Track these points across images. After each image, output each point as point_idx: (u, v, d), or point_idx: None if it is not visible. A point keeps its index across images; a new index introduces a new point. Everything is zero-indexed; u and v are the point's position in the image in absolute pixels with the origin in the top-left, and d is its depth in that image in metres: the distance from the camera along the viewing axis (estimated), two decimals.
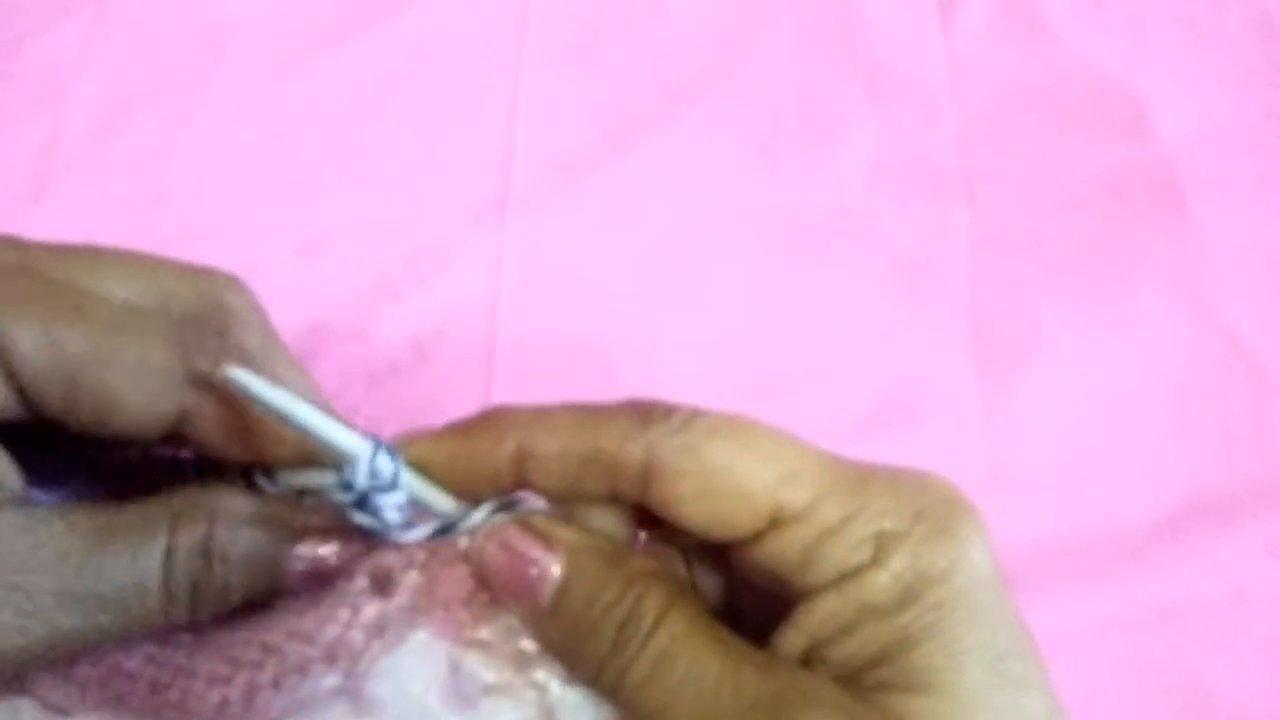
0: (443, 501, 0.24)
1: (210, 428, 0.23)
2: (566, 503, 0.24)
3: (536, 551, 0.23)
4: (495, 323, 0.43)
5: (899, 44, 0.49)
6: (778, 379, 0.42)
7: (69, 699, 0.23)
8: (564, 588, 0.22)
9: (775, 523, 0.22)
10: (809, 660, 0.22)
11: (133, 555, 0.21)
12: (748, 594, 0.25)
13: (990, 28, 0.49)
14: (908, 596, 0.21)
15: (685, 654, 0.21)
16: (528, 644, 0.23)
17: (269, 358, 0.24)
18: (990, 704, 0.20)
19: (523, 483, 0.24)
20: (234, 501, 0.23)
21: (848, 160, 0.46)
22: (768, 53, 0.49)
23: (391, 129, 0.47)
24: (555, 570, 0.22)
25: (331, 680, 0.23)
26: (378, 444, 0.23)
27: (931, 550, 0.21)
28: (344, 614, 0.23)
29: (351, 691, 0.22)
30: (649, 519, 0.24)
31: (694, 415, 0.23)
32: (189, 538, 0.22)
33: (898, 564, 0.21)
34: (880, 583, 0.21)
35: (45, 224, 0.45)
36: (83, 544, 0.21)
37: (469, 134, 0.47)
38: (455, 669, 0.23)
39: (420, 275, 0.44)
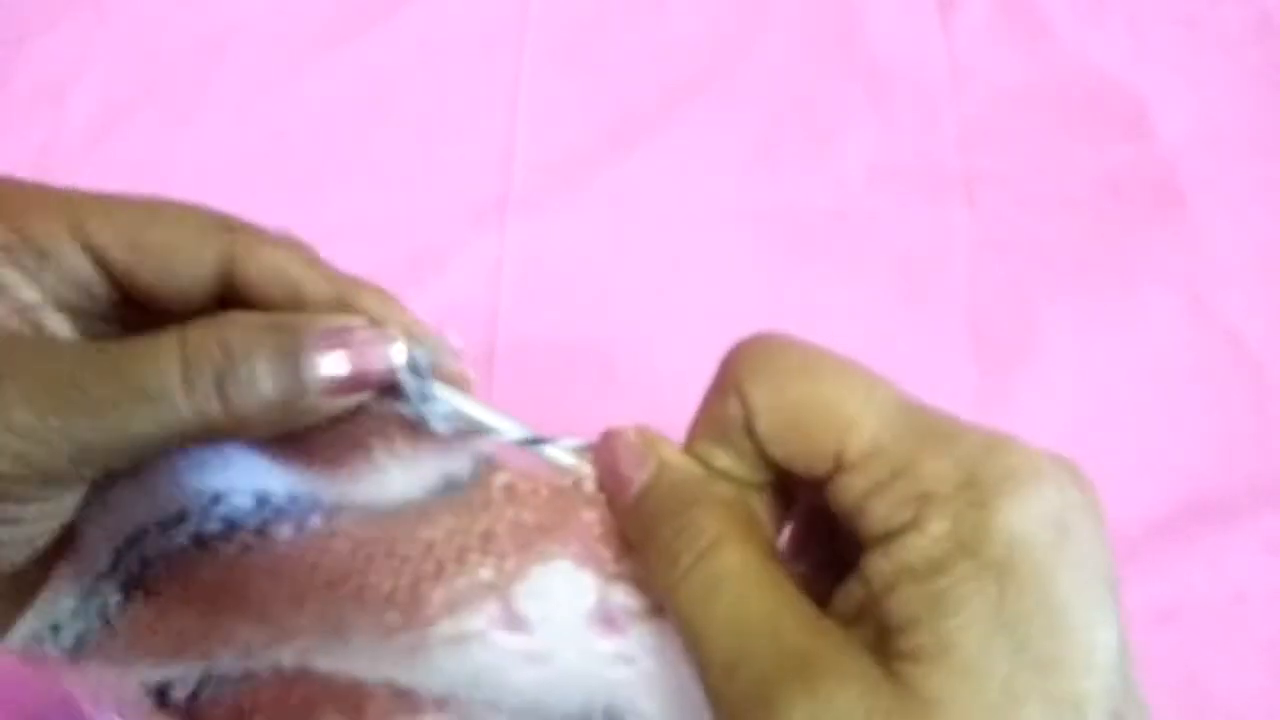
0: (499, 420, 0.25)
1: (257, 273, 0.25)
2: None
3: (634, 455, 0.24)
4: (495, 323, 0.43)
5: (899, 44, 0.49)
6: None
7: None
8: (645, 491, 0.24)
9: (839, 467, 0.22)
10: (860, 614, 0.22)
11: (149, 349, 0.23)
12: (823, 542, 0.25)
13: (990, 28, 0.49)
14: (942, 563, 0.21)
15: (732, 589, 0.22)
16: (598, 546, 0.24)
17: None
18: (1011, 686, 0.20)
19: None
20: (246, 314, 0.24)
21: (848, 160, 0.46)
22: (768, 53, 0.49)
23: (391, 129, 0.47)
24: (643, 475, 0.24)
25: (486, 573, 0.24)
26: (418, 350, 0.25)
27: (971, 517, 0.21)
28: (486, 517, 0.24)
29: (503, 595, 0.23)
30: None
31: (779, 349, 0.25)
32: (201, 334, 0.23)
33: (936, 528, 0.21)
34: (918, 545, 0.21)
35: None
36: (104, 350, 0.23)
37: (469, 134, 0.47)
38: (604, 597, 0.24)
39: (420, 275, 0.44)
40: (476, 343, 0.42)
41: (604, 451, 0.25)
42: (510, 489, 0.25)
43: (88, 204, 0.24)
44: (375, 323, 0.25)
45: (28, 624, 0.25)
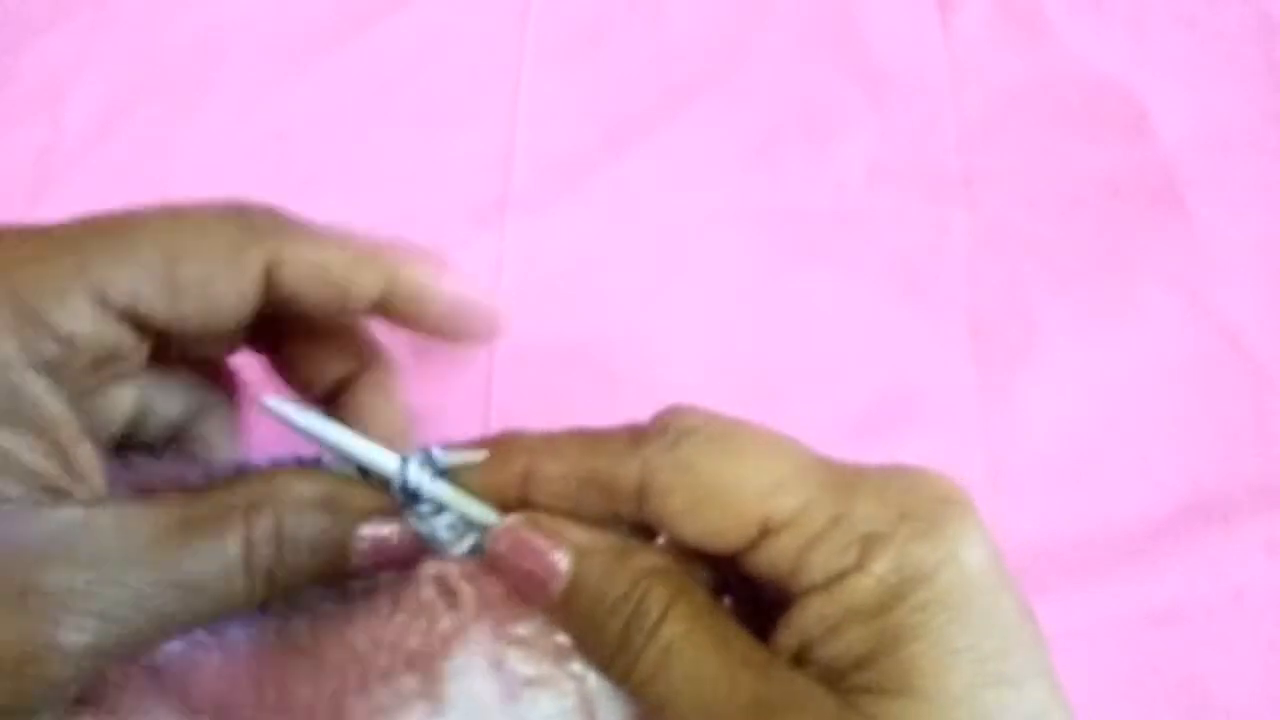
0: (479, 510, 0.25)
1: (301, 274, 0.25)
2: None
3: (545, 549, 0.23)
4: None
5: (899, 44, 0.49)
6: (777, 379, 0.42)
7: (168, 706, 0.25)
8: (573, 585, 0.23)
9: (766, 531, 0.22)
10: (800, 659, 0.22)
11: (217, 543, 0.22)
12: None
13: (990, 28, 0.49)
14: (892, 598, 0.21)
15: (687, 651, 0.22)
16: (563, 637, 0.24)
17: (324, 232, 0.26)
18: (974, 706, 0.20)
19: (526, 503, 0.24)
20: (300, 485, 0.24)
21: (848, 161, 0.46)
22: (768, 53, 0.49)
23: (391, 129, 0.47)
24: (563, 567, 0.23)
25: (411, 683, 0.23)
26: (406, 459, 0.25)
27: (917, 551, 0.21)
28: (421, 624, 0.24)
29: (428, 694, 0.23)
30: None
31: (688, 430, 0.23)
32: (263, 524, 0.23)
33: (880, 566, 0.21)
34: (864, 585, 0.21)
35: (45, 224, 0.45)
36: (169, 535, 0.22)
37: (469, 134, 0.47)
38: (499, 665, 0.23)
39: None
40: None
41: (508, 553, 0.24)
42: (441, 582, 0.25)
43: (104, 250, 0.23)
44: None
45: None
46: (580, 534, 0.24)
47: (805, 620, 0.22)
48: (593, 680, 0.23)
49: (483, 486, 0.25)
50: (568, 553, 0.23)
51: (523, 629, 0.24)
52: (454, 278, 0.27)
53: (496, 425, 0.42)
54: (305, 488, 0.24)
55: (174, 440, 0.28)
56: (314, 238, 0.25)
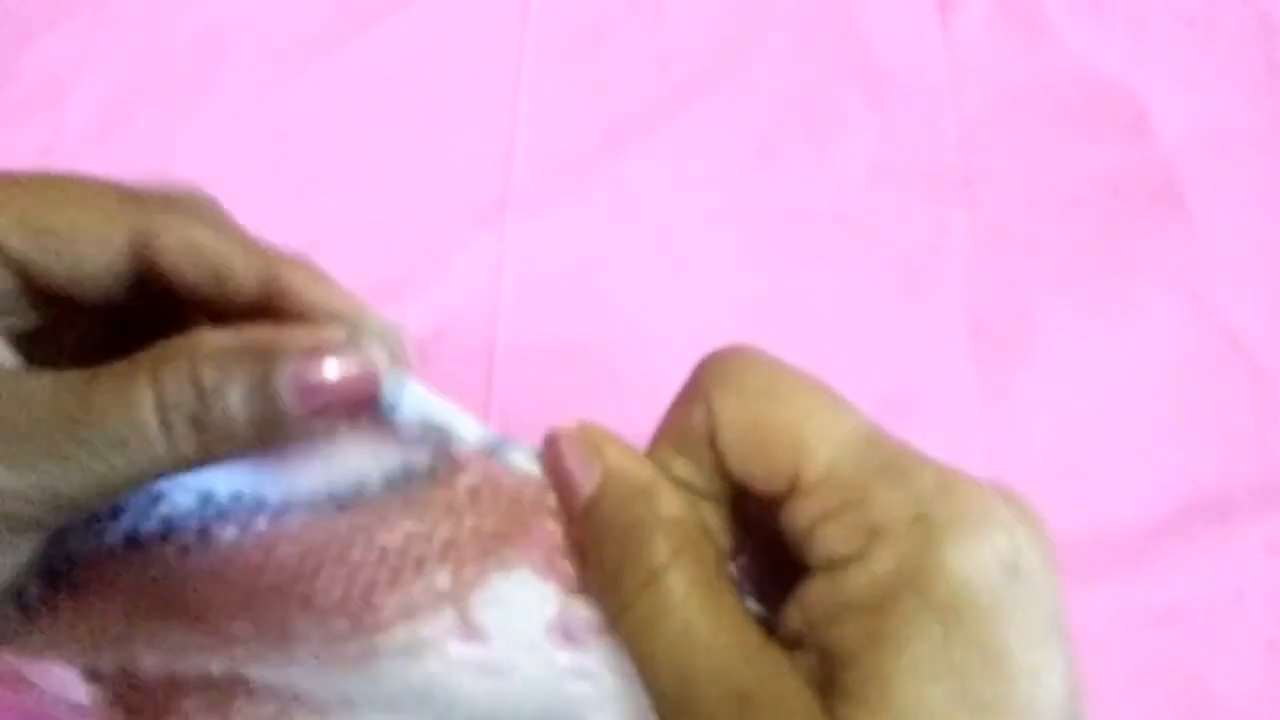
0: (464, 420, 0.24)
1: (173, 252, 0.23)
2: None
3: (582, 460, 0.23)
4: (495, 323, 0.43)
5: (899, 44, 0.49)
6: None
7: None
8: (592, 502, 0.23)
9: (794, 490, 0.22)
10: (800, 640, 0.21)
11: (122, 393, 0.21)
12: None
13: (990, 28, 0.49)
14: (884, 600, 0.20)
15: (678, 617, 0.21)
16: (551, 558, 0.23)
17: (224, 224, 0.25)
18: None
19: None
20: (215, 336, 0.22)
21: (848, 160, 0.46)
22: (768, 53, 0.49)
23: (391, 129, 0.47)
24: (589, 483, 0.23)
25: (443, 581, 0.23)
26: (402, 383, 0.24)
27: (919, 556, 0.20)
28: (450, 522, 0.23)
29: (460, 604, 0.23)
30: None
31: (746, 365, 0.23)
32: (174, 371, 0.21)
33: (880, 564, 0.20)
34: (861, 579, 0.20)
35: None
36: (74, 391, 0.21)
37: (469, 134, 0.47)
38: (565, 609, 0.23)
39: (420, 275, 0.44)
40: (476, 343, 0.42)
41: (549, 455, 0.24)
42: (474, 492, 0.24)
43: (173, 215, 0.23)
44: (349, 326, 0.23)
45: None
46: (620, 456, 0.23)
47: (809, 600, 0.21)
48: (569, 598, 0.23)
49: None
50: (597, 471, 0.23)
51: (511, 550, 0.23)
52: (340, 293, 0.25)
53: (496, 425, 0.42)
54: (224, 336, 0.22)
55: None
56: (197, 220, 0.24)
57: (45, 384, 0.22)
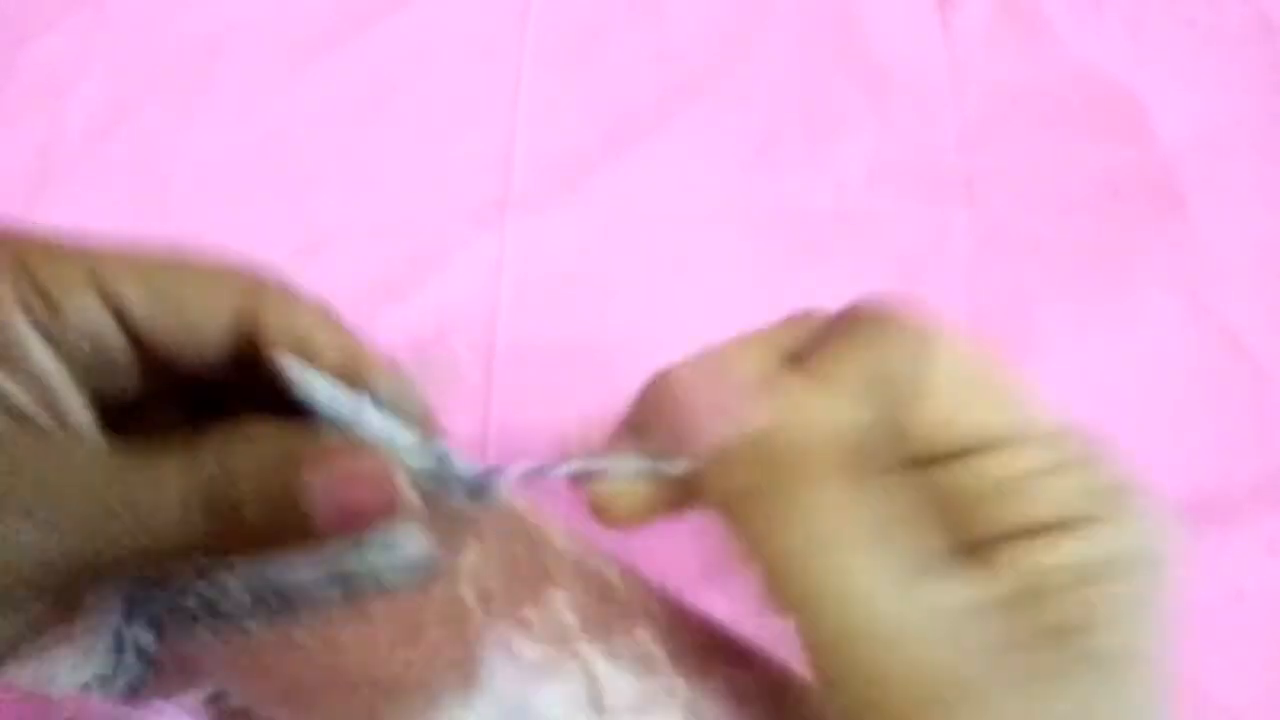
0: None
1: (276, 336, 0.23)
2: None
3: (739, 394, 0.22)
4: (495, 323, 0.43)
5: (899, 44, 0.49)
6: None
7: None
8: (766, 433, 0.21)
9: (987, 444, 0.21)
10: (1008, 603, 0.20)
11: (152, 468, 0.21)
12: None
13: (990, 28, 0.49)
14: (1128, 566, 0.20)
15: (849, 552, 0.20)
16: (570, 617, 0.23)
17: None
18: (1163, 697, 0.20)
19: None
20: (254, 425, 0.22)
21: (848, 161, 0.46)
22: (768, 53, 0.49)
23: (391, 129, 0.47)
24: (759, 416, 0.22)
25: (451, 679, 0.23)
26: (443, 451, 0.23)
27: (1139, 526, 0.21)
28: (454, 629, 0.23)
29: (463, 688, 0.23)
30: None
31: (930, 334, 0.23)
32: (206, 454, 0.21)
33: (1126, 526, 0.21)
34: (1102, 542, 0.20)
35: (45, 223, 0.45)
36: (108, 457, 0.21)
37: (469, 134, 0.47)
38: (507, 647, 0.23)
39: (420, 275, 0.44)
40: (476, 343, 0.42)
41: (679, 396, 0.22)
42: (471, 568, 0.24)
43: (104, 251, 0.23)
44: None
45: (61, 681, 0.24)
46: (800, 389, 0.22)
47: (1025, 566, 0.20)
48: (600, 662, 0.23)
49: None
50: (774, 398, 0.22)
51: (526, 610, 0.23)
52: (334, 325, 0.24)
53: (496, 425, 0.42)
54: (258, 428, 0.22)
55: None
56: (305, 309, 0.24)
57: (93, 454, 0.21)
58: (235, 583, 0.24)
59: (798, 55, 0.49)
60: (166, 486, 0.21)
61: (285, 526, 0.22)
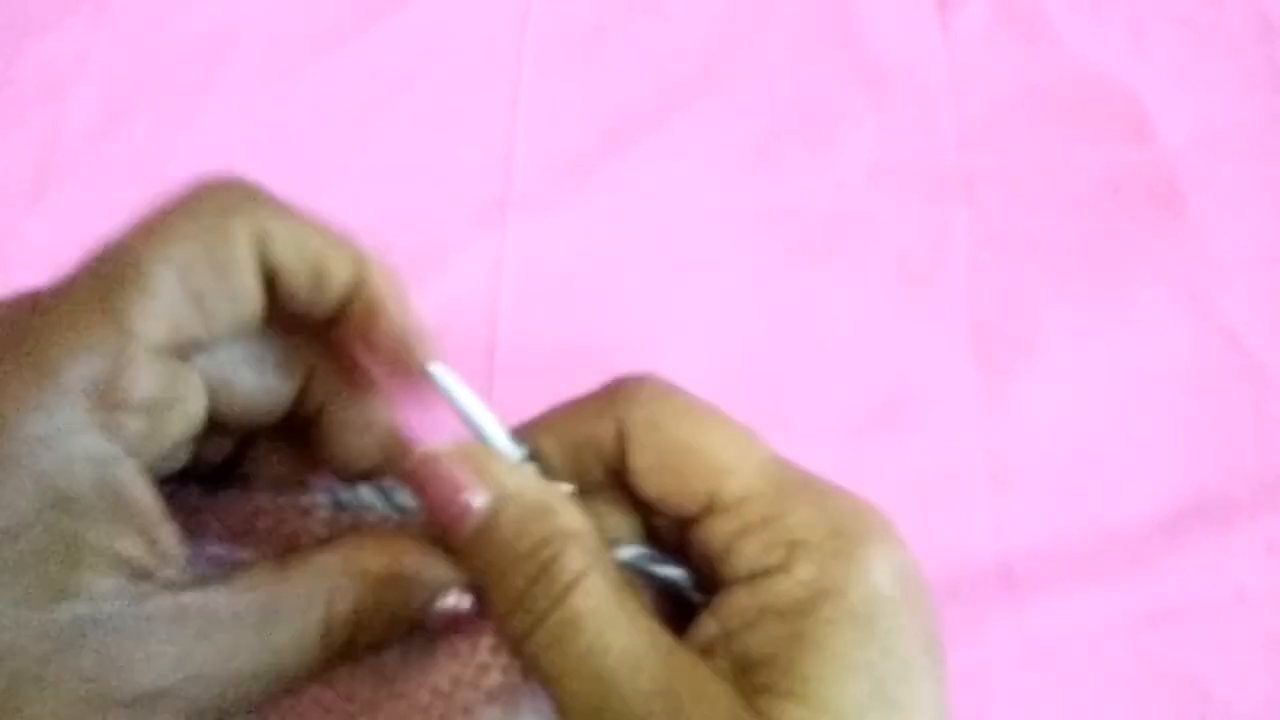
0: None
1: (286, 250, 0.24)
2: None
3: (469, 481, 0.23)
4: (495, 323, 0.43)
5: (899, 44, 0.49)
6: (777, 379, 0.42)
7: None
8: (486, 525, 0.23)
9: (710, 509, 0.23)
10: (713, 648, 0.22)
11: (298, 631, 0.22)
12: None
13: (990, 28, 0.49)
14: (806, 605, 0.22)
15: (592, 627, 0.22)
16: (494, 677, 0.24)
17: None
18: None
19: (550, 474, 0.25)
20: (376, 562, 0.23)
21: (848, 160, 0.46)
22: (768, 53, 0.49)
23: (392, 129, 0.47)
24: (479, 504, 0.23)
25: (495, 713, 0.24)
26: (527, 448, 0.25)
27: (836, 566, 0.22)
28: (501, 659, 0.24)
29: None
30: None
31: (662, 392, 0.25)
32: (342, 609, 0.23)
33: (803, 573, 0.22)
34: (784, 587, 0.22)
35: (45, 224, 0.45)
36: (252, 623, 0.22)
37: (469, 134, 0.47)
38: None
39: (420, 275, 0.44)
40: (476, 343, 0.42)
41: (423, 478, 0.24)
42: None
43: (124, 302, 0.22)
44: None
45: None
46: (508, 476, 0.24)
47: (727, 610, 0.23)
48: None
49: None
50: (487, 493, 0.23)
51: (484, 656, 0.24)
52: (407, 299, 0.26)
53: None
54: (383, 563, 0.23)
55: (225, 466, 0.27)
56: (291, 213, 0.25)
57: (228, 611, 0.22)
58: None
59: (798, 55, 0.49)
60: (309, 643, 0.22)
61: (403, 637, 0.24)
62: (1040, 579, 0.38)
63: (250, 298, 0.23)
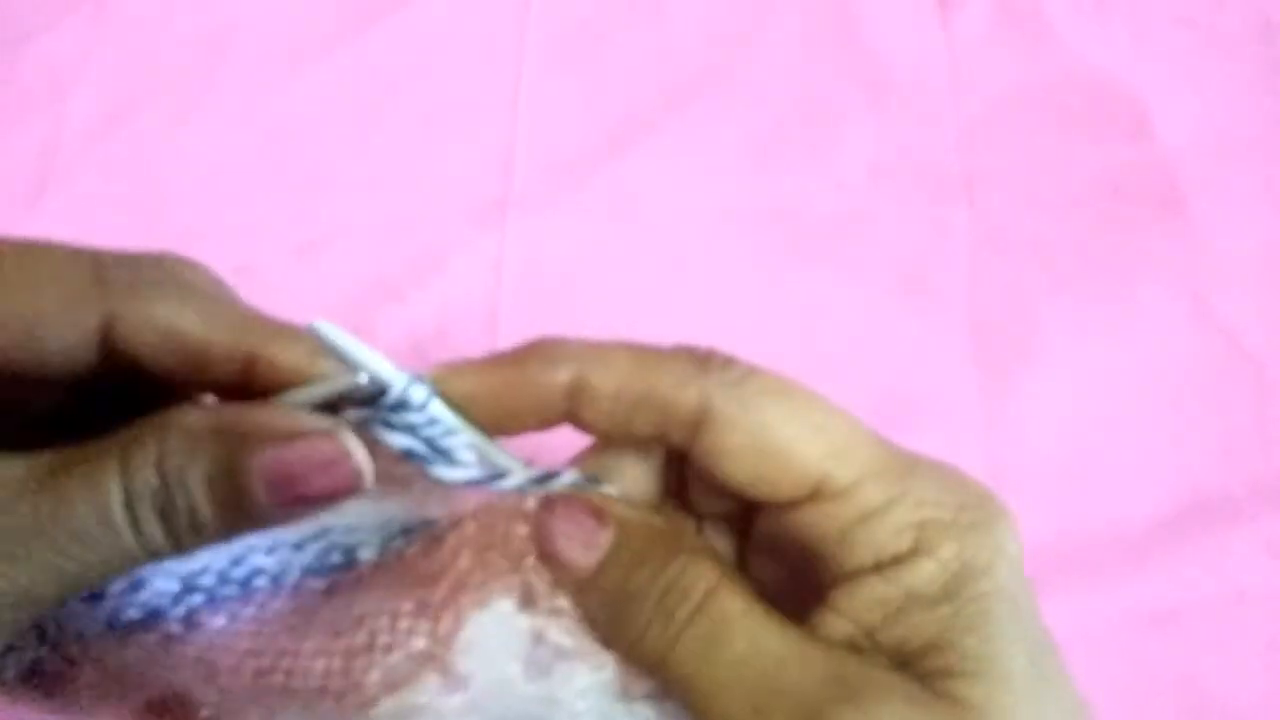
0: (490, 449, 0.24)
1: (143, 338, 0.22)
2: (605, 450, 0.24)
3: (587, 521, 0.22)
4: (495, 323, 0.43)
5: (899, 44, 0.49)
6: None
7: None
8: (610, 556, 0.22)
9: (817, 494, 0.22)
10: (855, 645, 0.21)
11: (91, 488, 0.20)
12: (766, 569, 0.25)
13: (990, 28, 0.49)
14: (953, 586, 0.21)
15: (742, 632, 0.21)
16: None
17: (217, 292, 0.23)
18: (1036, 693, 0.20)
19: (572, 417, 0.23)
20: (189, 416, 0.21)
21: (848, 161, 0.46)
22: (768, 53, 0.49)
23: (391, 129, 0.47)
24: (604, 539, 0.22)
25: (421, 642, 0.23)
26: (414, 377, 0.23)
27: (976, 542, 0.21)
28: (425, 576, 0.23)
29: (440, 662, 0.23)
30: (673, 484, 0.25)
31: (752, 371, 0.23)
32: (143, 463, 0.20)
33: (945, 553, 0.21)
34: (928, 570, 0.21)
35: (45, 224, 0.45)
36: (40, 484, 0.20)
37: (469, 134, 0.47)
38: (539, 639, 0.23)
39: (420, 275, 0.44)
40: (476, 343, 0.42)
41: (546, 523, 0.23)
42: (464, 543, 0.23)
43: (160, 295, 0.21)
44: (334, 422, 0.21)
45: None
46: (623, 509, 0.23)
47: (859, 604, 0.21)
48: None
49: (520, 396, 0.23)
50: (610, 525, 0.22)
51: (562, 600, 0.23)
52: (331, 365, 0.23)
53: None
54: (195, 418, 0.20)
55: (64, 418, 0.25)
56: (173, 299, 0.22)
57: (12, 475, 0.20)
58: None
59: (798, 55, 0.49)
60: (111, 507, 0.20)
61: (237, 517, 0.21)
62: (1039, 579, 0.38)
63: (60, 356, 0.22)
